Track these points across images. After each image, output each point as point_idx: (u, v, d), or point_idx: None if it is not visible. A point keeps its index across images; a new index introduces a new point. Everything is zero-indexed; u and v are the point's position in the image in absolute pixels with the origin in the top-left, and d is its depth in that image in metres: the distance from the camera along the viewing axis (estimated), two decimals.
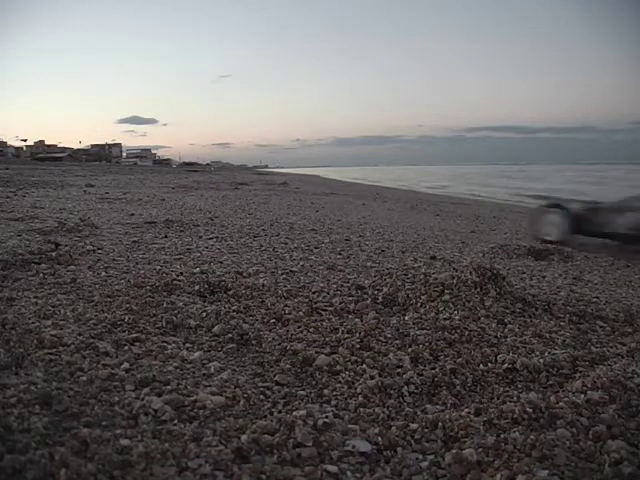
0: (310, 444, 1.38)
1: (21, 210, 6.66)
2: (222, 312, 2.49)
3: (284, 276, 3.39)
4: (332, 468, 1.31)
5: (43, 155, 66.69)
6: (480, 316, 2.54)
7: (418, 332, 2.31)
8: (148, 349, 2.01)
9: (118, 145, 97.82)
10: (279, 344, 2.14)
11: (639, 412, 1.57)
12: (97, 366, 1.80)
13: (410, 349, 2.12)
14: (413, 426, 1.52)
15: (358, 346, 2.15)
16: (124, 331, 2.18)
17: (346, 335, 2.27)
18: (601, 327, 2.60)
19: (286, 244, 4.79)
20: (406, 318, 2.53)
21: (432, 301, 2.71)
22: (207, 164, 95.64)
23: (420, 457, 1.39)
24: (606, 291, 3.58)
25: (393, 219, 8.77)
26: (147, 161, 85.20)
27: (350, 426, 1.51)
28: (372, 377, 1.84)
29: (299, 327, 2.38)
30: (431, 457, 1.39)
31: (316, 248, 4.64)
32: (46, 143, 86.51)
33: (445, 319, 2.48)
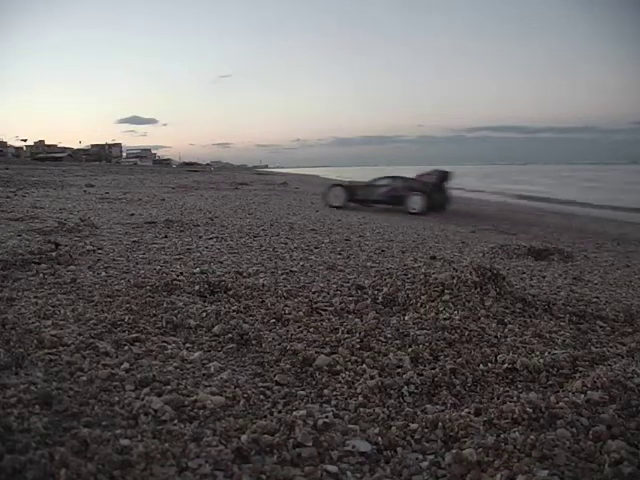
0: (310, 444, 1.38)
1: (21, 210, 6.66)
2: (222, 312, 2.49)
3: (284, 276, 3.39)
4: (332, 468, 1.31)
5: (43, 155, 66.65)
6: (480, 316, 2.54)
7: (418, 332, 2.31)
8: (148, 349, 2.00)
9: (118, 145, 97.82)
10: (279, 344, 2.14)
11: (639, 412, 1.57)
12: (97, 366, 1.80)
13: (410, 349, 2.12)
14: (413, 426, 1.52)
15: (358, 346, 2.14)
16: (124, 331, 2.18)
17: (346, 335, 2.27)
18: (601, 327, 2.60)
19: (286, 244, 4.79)
20: (406, 318, 2.53)
21: (432, 301, 2.71)
22: (207, 164, 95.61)
23: (420, 457, 1.39)
24: (606, 291, 3.58)
25: (393, 219, 8.78)
26: (147, 161, 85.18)
27: (350, 426, 1.51)
28: (372, 377, 1.84)
29: (299, 327, 2.38)
30: (431, 457, 1.39)
31: (316, 248, 4.64)
32: (46, 143, 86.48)
33: (445, 319, 2.48)
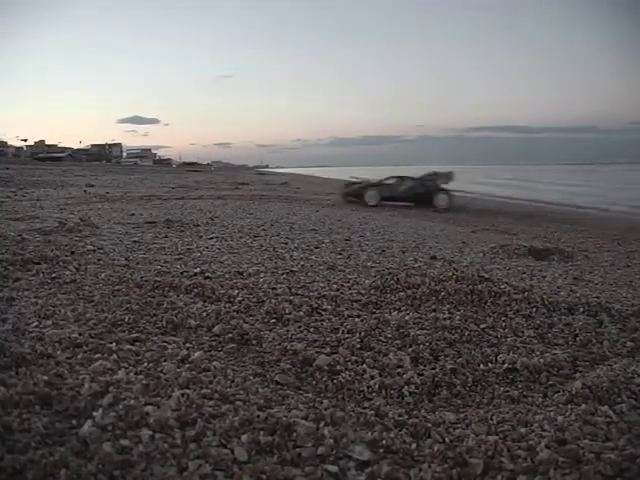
0: (310, 444, 1.38)
1: (21, 210, 6.66)
2: (222, 312, 2.49)
3: (284, 276, 3.38)
4: (332, 468, 1.31)
5: (43, 155, 66.50)
6: (480, 316, 2.54)
7: (418, 332, 2.31)
8: (148, 349, 2.00)
9: (118, 145, 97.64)
10: (279, 344, 2.14)
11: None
12: None
13: (410, 349, 2.12)
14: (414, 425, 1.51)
15: (358, 346, 2.15)
16: (124, 331, 2.18)
17: (346, 335, 2.27)
18: None
19: (286, 244, 4.79)
20: (406, 318, 2.53)
21: (432, 301, 2.70)
22: (207, 164, 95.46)
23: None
24: (606, 291, 3.57)
25: (393, 219, 8.77)
26: (147, 161, 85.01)
27: None
28: (372, 377, 1.84)
29: (299, 327, 2.38)
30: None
31: (316, 248, 4.64)
32: (46, 143, 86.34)
33: (445, 319, 2.48)
